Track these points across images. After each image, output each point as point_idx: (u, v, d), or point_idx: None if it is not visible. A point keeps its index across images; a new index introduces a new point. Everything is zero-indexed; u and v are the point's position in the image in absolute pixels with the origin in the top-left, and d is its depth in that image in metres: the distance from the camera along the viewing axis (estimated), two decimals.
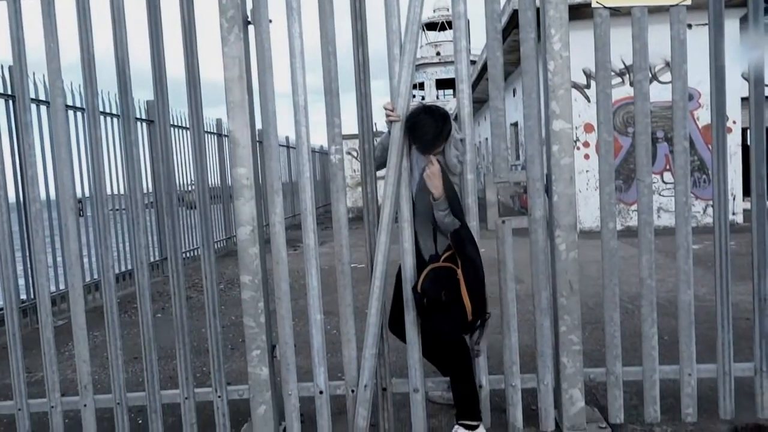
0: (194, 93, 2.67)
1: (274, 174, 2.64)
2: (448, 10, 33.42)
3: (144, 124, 7.95)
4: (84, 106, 2.65)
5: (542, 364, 2.64)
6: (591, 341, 3.83)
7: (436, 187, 2.52)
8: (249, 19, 2.62)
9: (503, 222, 2.63)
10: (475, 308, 2.39)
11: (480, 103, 18.76)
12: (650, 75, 9.93)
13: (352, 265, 2.68)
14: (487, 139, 19.20)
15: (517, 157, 15.44)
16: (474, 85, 15.91)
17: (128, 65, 2.64)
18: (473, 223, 2.61)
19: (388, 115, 2.64)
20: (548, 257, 2.64)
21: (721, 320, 2.64)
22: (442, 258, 2.53)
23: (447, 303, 2.41)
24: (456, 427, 2.64)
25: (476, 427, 2.62)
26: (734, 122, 9.71)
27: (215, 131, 10.37)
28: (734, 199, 10.03)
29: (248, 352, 2.65)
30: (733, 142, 9.71)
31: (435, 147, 2.55)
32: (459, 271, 2.41)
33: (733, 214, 9.98)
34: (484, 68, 14.51)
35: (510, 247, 2.64)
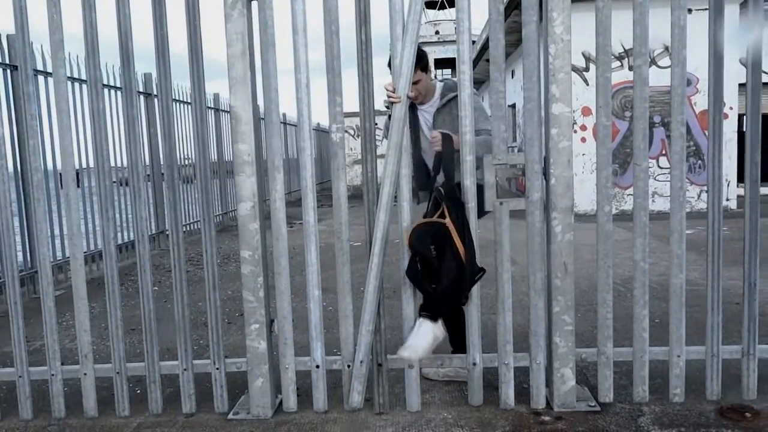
0: (197, 70, 2.67)
1: (275, 151, 2.67)
2: None
3: (142, 97, 7.92)
4: (86, 78, 2.64)
5: (535, 344, 2.70)
6: (584, 323, 3.89)
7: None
8: None
9: (501, 203, 2.66)
10: (468, 255, 2.52)
11: (478, 84, 18.68)
12: (649, 59, 9.91)
13: (350, 243, 2.72)
14: None
15: (514, 139, 15.43)
16: (474, 64, 15.84)
17: (131, 40, 2.64)
18: (471, 204, 2.65)
19: (389, 96, 2.66)
20: (544, 239, 2.68)
21: (711, 304, 2.69)
22: (435, 216, 2.61)
23: (439, 258, 2.53)
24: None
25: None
26: (731, 108, 9.73)
27: (213, 106, 10.34)
28: (728, 184, 10.10)
29: (247, 326, 2.70)
30: (730, 128, 9.73)
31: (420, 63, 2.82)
32: (448, 220, 2.51)
33: (727, 199, 10.05)
34: (484, 48, 14.43)
35: (507, 228, 2.68)
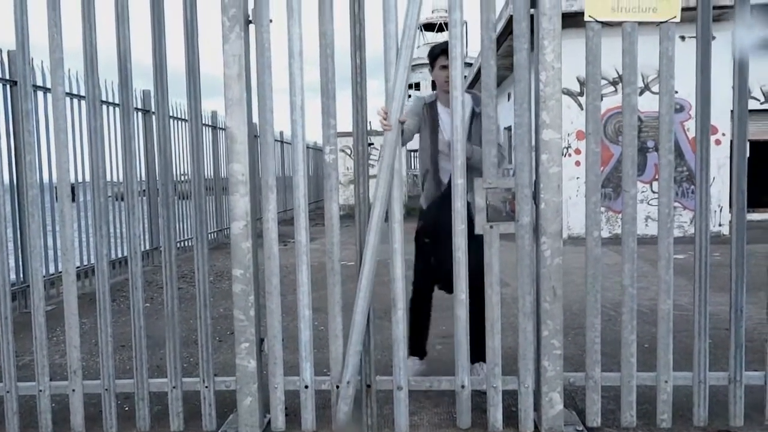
0: (194, 90, 2.72)
1: (269, 171, 2.70)
2: (446, 11, 33.42)
3: (140, 113, 7.97)
4: (84, 95, 2.68)
5: (524, 367, 2.71)
6: (573, 346, 3.90)
7: None
8: (250, 19, 2.67)
9: (491, 227, 2.69)
10: None
11: None
12: (643, 85, 10.01)
13: (342, 263, 2.74)
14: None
15: (510, 161, 15.58)
16: (471, 85, 15.99)
17: (130, 60, 2.68)
18: (461, 227, 2.68)
19: (382, 123, 2.70)
20: (533, 263, 2.71)
21: (698, 329, 2.71)
22: None
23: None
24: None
25: None
26: (723, 134, 9.84)
27: (210, 123, 10.40)
28: (721, 210, 10.18)
29: (237, 345, 2.71)
30: (722, 154, 9.82)
31: None
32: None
33: (720, 225, 10.13)
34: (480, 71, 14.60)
35: (497, 252, 2.70)
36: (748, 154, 2.83)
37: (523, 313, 2.70)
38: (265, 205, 2.70)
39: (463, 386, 2.73)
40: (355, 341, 2.70)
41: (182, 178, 9.90)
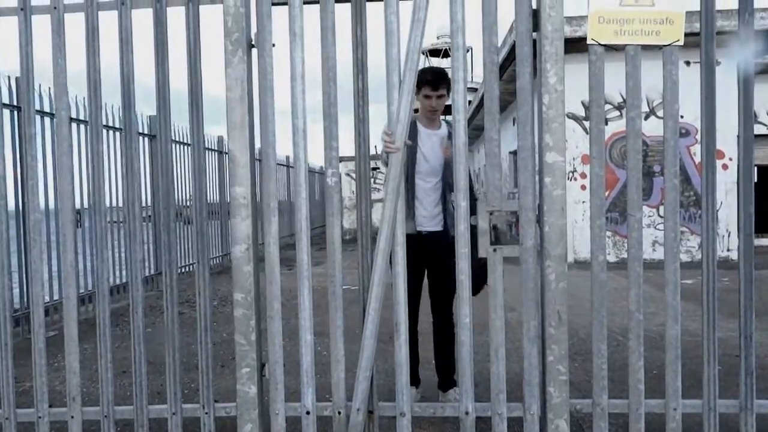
0: (197, 113, 2.73)
1: (271, 194, 2.69)
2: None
3: (146, 138, 8.03)
4: (87, 119, 2.69)
5: (529, 393, 2.66)
6: (581, 372, 3.84)
7: None
8: (253, 43, 2.69)
9: (494, 250, 2.67)
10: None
11: (479, 130, 18.92)
12: (648, 109, 10.00)
13: (345, 287, 2.71)
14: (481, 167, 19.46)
15: (515, 185, 15.54)
16: (476, 111, 16.08)
17: (133, 83, 2.70)
18: (464, 250, 2.65)
19: (386, 147, 2.69)
20: (538, 286, 2.67)
21: (707, 356, 2.66)
22: None
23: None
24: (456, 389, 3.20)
25: None
26: (730, 159, 9.81)
27: (216, 148, 10.47)
28: (729, 235, 10.10)
29: (238, 370, 2.67)
30: (729, 179, 9.78)
31: (446, 81, 3.26)
32: None
33: (728, 250, 10.05)
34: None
35: (500, 276, 2.67)
36: (755, 179, 2.81)
37: (527, 338, 2.66)
38: (267, 229, 2.69)
39: (467, 413, 2.68)
40: (365, 366, 2.66)
41: (188, 203, 9.97)
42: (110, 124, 7.21)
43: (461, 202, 2.67)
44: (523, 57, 2.63)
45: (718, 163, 9.89)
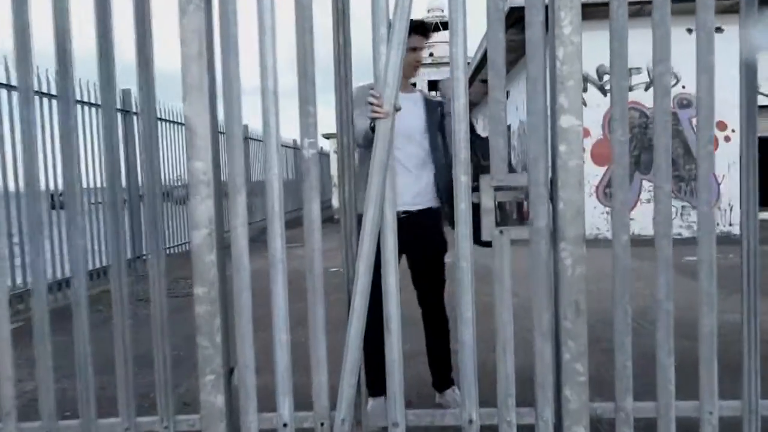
0: (146, 71, 2.30)
1: (237, 169, 2.28)
2: (442, 11, 33.11)
3: (120, 114, 7.56)
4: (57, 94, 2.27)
5: (542, 397, 2.29)
6: (591, 365, 3.47)
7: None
8: None
9: (501, 232, 2.28)
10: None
11: (471, 105, 18.44)
12: (650, 79, 9.60)
13: (334, 269, 2.32)
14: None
15: (509, 162, 15.16)
16: (473, 78, 15.58)
17: (113, 57, 2.26)
18: (464, 230, 2.27)
19: (374, 111, 2.28)
20: (551, 273, 2.29)
21: (747, 347, 2.30)
22: None
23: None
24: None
25: None
26: (733, 131, 9.43)
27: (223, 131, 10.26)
28: (731, 209, 9.78)
29: (201, 377, 2.27)
30: (732, 150, 9.41)
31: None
32: None
33: (730, 225, 9.73)
34: (477, 69, 14.12)
35: (508, 261, 2.29)
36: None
37: (539, 333, 2.28)
38: (232, 209, 2.28)
39: (470, 421, 2.30)
40: (350, 370, 2.28)
41: (178, 183, 9.73)
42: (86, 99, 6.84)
43: (461, 176, 2.27)
44: (533, 3, 2.22)
45: (721, 134, 9.57)
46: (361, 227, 2.28)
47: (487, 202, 2.29)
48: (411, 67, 2.89)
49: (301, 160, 2.27)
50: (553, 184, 2.27)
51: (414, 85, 3.12)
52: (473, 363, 2.31)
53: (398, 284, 2.30)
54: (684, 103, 9.43)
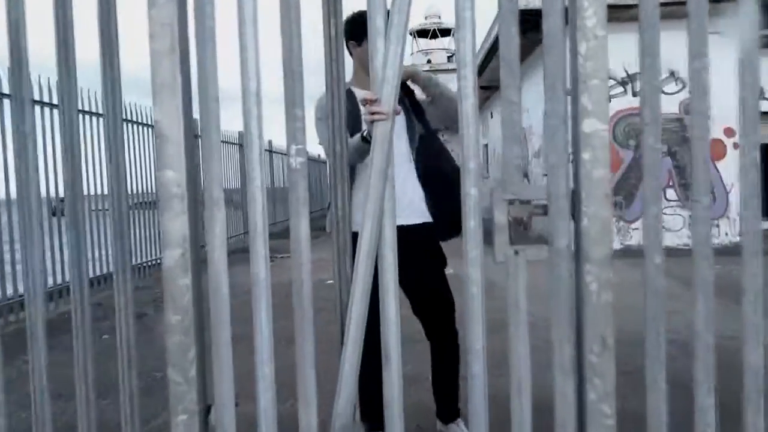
0: (111, 80, 2.03)
1: (214, 179, 2.00)
2: (439, 17, 32.95)
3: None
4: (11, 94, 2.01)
5: None
6: None
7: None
8: None
9: (516, 252, 2.00)
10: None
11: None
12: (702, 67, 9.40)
13: (328, 282, 2.05)
14: (486, 145, 18.29)
15: (486, 173, 14.88)
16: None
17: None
18: (474, 254, 1.99)
19: (371, 112, 2.00)
20: (572, 299, 2.01)
21: None
22: None
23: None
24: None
25: None
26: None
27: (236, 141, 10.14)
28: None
29: (173, 416, 1.98)
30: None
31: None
32: None
33: (740, 235, 9.46)
34: (479, 70, 13.79)
35: (524, 286, 2.01)
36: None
37: (560, 369, 1.99)
38: (209, 226, 2.00)
39: None
40: (342, 407, 2.00)
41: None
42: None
43: (470, 189, 1.99)
44: None
45: (729, 141, 9.33)
46: (357, 245, 1.99)
47: (500, 217, 2.01)
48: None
49: (288, 170, 1.98)
50: (574, 196, 1.99)
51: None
52: (484, 399, 2.03)
53: (398, 309, 2.02)
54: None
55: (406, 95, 2.76)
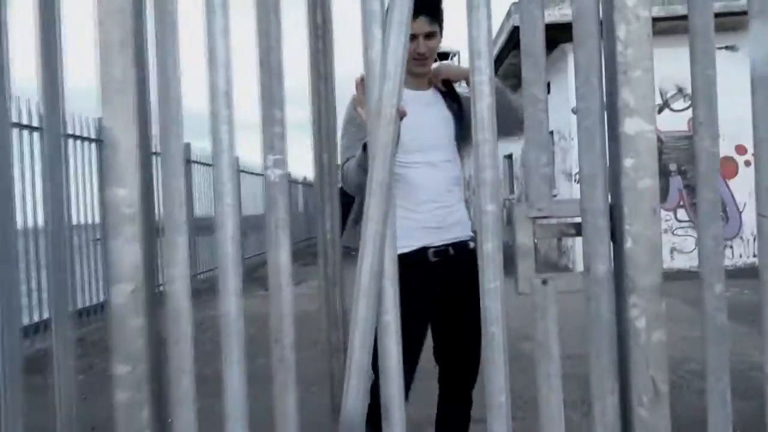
0: (52, 78, 1.68)
1: (175, 199, 1.63)
2: None
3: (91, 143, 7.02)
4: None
5: None
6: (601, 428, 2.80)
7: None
8: None
9: (544, 282, 1.63)
10: None
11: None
12: (662, 101, 9.09)
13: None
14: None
15: (511, 191, 14.47)
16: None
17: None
18: (492, 285, 1.62)
19: (359, 109, 1.65)
20: (614, 338, 1.64)
21: None
22: None
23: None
24: None
25: None
26: (753, 155, 8.82)
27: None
28: (755, 240, 9.14)
29: None
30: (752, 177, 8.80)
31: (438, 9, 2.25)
32: None
33: (754, 256, 9.08)
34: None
35: (554, 323, 1.64)
36: None
37: (601, 425, 1.62)
38: (170, 255, 1.63)
39: None
40: None
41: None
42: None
43: (487, 206, 1.63)
44: None
45: (741, 159, 9.01)
46: (357, 275, 1.63)
47: (524, 239, 1.65)
48: (410, 60, 2.26)
49: (266, 185, 1.62)
50: (614, 213, 1.64)
51: (429, 81, 2.45)
52: None
53: (401, 356, 1.65)
54: None
55: (454, 101, 2.42)
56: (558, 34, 7.89)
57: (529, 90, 1.63)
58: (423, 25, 2.22)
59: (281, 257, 1.59)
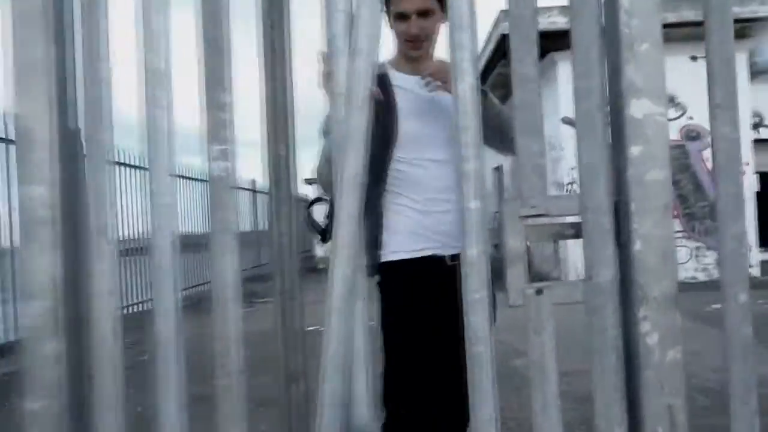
0: None
1: (103, 200, 1.38)
2: None
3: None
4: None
5: None
6: None
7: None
8: None
9: (538, 292, 1.39)
10: None
11: None
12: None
13: (309, 329, 1.42)
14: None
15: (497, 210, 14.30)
16: (484, 79, 14.95)
17: None
18: (477, 296, 1.38)
19: (324, 84, 1.42)
20: (621, 358, 1.39)
21: None
22: None
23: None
24: None
25: None
26: (746, 164, 8.68)
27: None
28: (750, 250, 8.98)
29: None
30: (746, 186, 8.65)
31: None
32: None
33: (750, 266, 8.91)
34: (484, 71, 12.67)
35: (551, 338, 1.40)
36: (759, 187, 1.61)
37: None
38: (93, 265, 1.37)
39: None
40: None
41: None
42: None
43: (471, 203, 1.39)
44: None
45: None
46: (328, 292, 1.37)
47: (515, 242, 1.40)
48: (403, 42, 1.99)
49: (209, 179, 1.37)
50: (619, 210, 1.40)
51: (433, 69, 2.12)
52: None
53: (372, 384, 1.39)
54: (692, 135, 8.70)
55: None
56: (548, 43, 7.72)
57: (521, 69, 1.39)
58: (405, 3, 1.94)
59: (227, 267, 1.33)
